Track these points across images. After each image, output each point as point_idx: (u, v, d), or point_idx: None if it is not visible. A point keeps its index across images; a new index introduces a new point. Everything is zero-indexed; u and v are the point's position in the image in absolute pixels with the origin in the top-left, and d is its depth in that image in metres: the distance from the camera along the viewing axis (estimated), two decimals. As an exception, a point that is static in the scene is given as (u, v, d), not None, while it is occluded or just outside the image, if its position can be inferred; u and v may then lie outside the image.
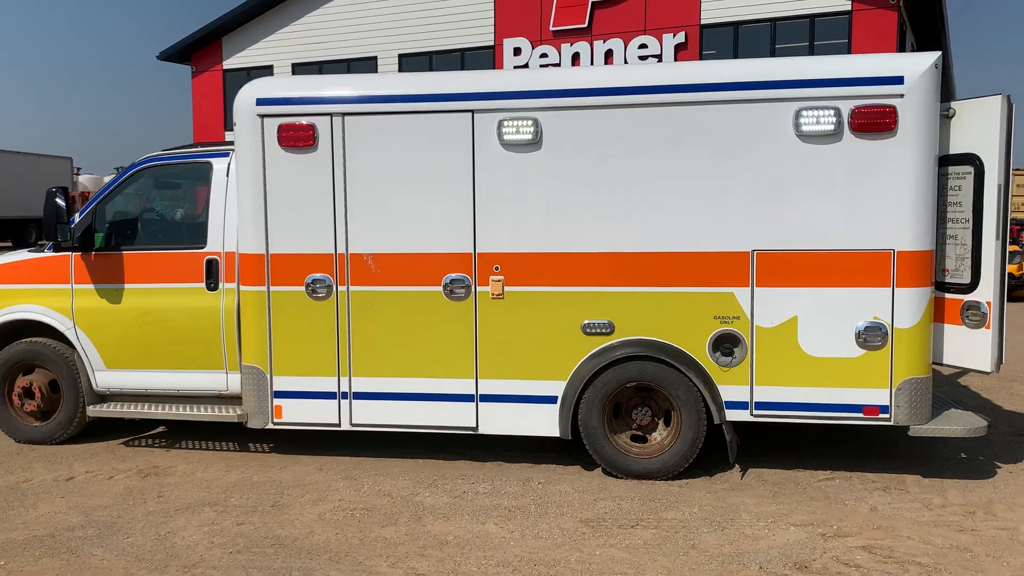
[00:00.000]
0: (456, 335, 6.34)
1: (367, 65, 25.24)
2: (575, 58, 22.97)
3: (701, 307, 6.07)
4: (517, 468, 6.47)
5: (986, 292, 5.95)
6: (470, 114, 6.20)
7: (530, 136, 6.12)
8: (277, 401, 6.61)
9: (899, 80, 5.77)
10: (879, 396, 5.94)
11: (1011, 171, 5.92)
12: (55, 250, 7.03)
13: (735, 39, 21.95)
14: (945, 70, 30.14)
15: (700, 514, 5.50)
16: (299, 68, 25.95)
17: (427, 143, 6.27)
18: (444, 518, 5.47)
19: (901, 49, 21.70)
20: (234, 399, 6.85)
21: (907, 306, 5.87)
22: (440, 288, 6.33)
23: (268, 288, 6.53)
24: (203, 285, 6.80)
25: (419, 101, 6.27)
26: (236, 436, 7.25)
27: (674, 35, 22.10)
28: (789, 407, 6.04)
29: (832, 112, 5.81)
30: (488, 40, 24.01)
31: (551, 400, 6.27)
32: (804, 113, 5.85)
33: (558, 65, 23.04)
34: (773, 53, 21.54)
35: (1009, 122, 5.84)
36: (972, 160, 5.96)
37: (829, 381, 5.98)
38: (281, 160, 6.44)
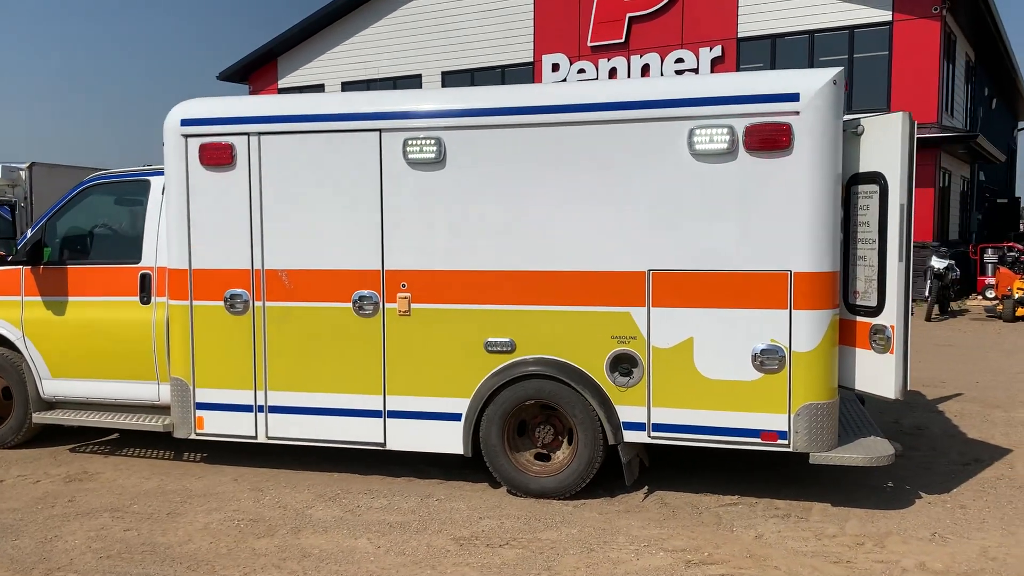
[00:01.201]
0: (365, 351, 6.43)
1: (412, 82, 25.70)
2: (612, 73, 22.93)
3: (599, 327, 6.02)
4: (424, 484, 6.51)
5: (890, 316, 5.75)
6: (378, 133, 6.31)
7: (433, 155, 6.19)
8: (199, 412, 6.81)
9: (794, 97, 5.64)
10: (777, 421, 5.78)
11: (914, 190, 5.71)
12: (1, 264, 7.41)
13: (772, 52, 21.58)
14: (1010, 82, 29.01)
15: (577, 535, 5.45)
16: (348, 86, 26.58)
17: (337, 162, 6.40)
18: (323, 531, 5.55)
19: (948, 60, 20.98)
20: (167, 409, 7.08)
21: (805, 329, 5.71)
22: (350, 304, 6.44)
23: (191, 302, 6.75)
24: (137, 299, 7.07)
25: (329, 120, 6.41)
26: (176, 445, 7.48)
27: (711, 49, 21.86)
28: (686, 429, 5.93)
29: (726, 130, 5.71)
30: (528, 57, 24.17)
31: (456, 417, 6.30)
32: (698, 132, 5.77)
33: (595, 80, 23.01)
34: (811, 65, 21.07)
35: (911, 140, 5.64)
36: (878, 179, 5.79)
37: (726, 404, 5.85)
38: (203, 178, 6.66)
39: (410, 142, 6.23)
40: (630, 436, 6.03)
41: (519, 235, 6.13)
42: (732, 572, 4.90)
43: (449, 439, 6.33)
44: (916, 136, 5.69)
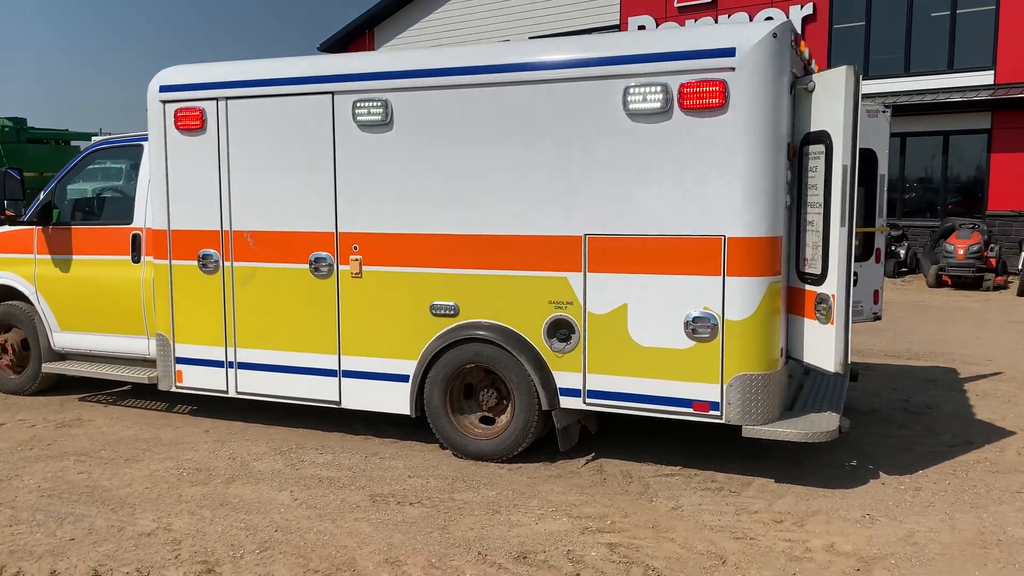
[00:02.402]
0: (321, 312, 6.58)
1: (500, 48, 25.66)
2: (699, 35, 22.15)
3: (537, 291, 5.95)
4: (377, 443, 6.64)
5: (831, 284, 5.43)
6: (331, 96, 6.39)
7: (380, 117, 6.22)
8: (179, 367, 7.15)
9: (730, 52, 5.36)
10: (709, 392, 5.58)
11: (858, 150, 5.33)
12: (10, 224, 7.96)
13: (868, 8, 20.37)
14: None
15: (493, 498, 5.45)
16: (441, 53, 26.78)
17: (295, 125, 6.53)
18: (254, 483, 5.77)
19: (1067, 13, 19.24)
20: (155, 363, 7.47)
21: (739, 297, 5.47)
22: (307, 266, 6.59)
23: (170, 262, 7.08)
24: (129, 258, 7.46)
25: (286, 84, 6.54)
26: (170, 398, 7.89)
27: (801, 6, 20.83)
28: (621, 397, 5.81)
29: (660, 88, 5.49)
30: (614, 19, 23.71)
31: (404, 379, 6.38)
32: (632, 90, 5.57)
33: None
34: (910, 21, 19.82)
35: (855, 97, 5.27)
36: (824, 139, 5.45)
37: (659, 372, 5.68)
38: (178, 142, 6.94)
39: (358, 104, 6.29)
40: (566, 402, 5.95)
41: (461, 198, 6.10)
42: (625, 541, 4.80)
43: (398, 400, 6.42)
44: (860, 92, 5.31)
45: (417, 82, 6.14)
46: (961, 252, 16.53)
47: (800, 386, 6.63)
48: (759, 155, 5.37)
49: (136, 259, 7.43)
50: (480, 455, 6.17)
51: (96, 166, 7.89)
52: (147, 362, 7.57)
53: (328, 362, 6.61)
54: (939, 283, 16.88)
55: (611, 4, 23.60)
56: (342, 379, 6.58)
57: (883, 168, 7.34)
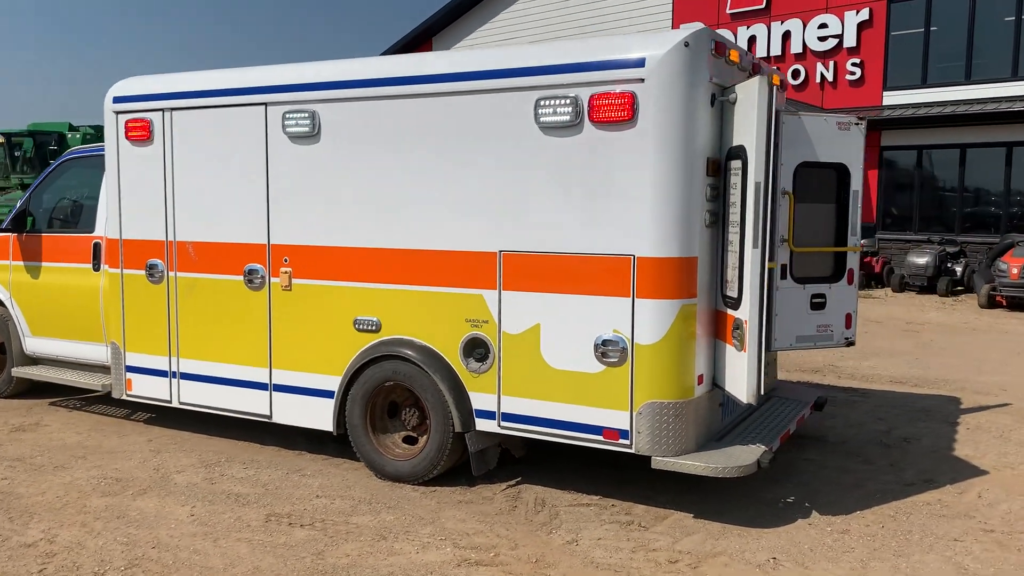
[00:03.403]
0: (255, 324, 6.53)
1: (552, 57, 25.48)
2: (751, 41, 21.63)
3: (455, 309, 5.76)
4: (309, 459, 6.54)
5: (745, 309, 5.08)
6: (264, 107, 6.35)
7: (307, 128, 6.14)
8: (129, 375, 7.21)
9: (639, 63, 5.08)
10: (619, 419, 5.29)
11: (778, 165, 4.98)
12: (-9, 232, 8.18)
13: (927, 13, 19.46)
14: None
15: (388, 523, 5.27)
16: (497, 62, 26.77)
17: (231, 136, 6.51)
18: (163, 496, 5.73)
19: None
20: (114, 370, 7.54)
21: (649, 320, 5.17)
22: (242, 277, 6.55)
23: (121, 271, 7.14)
24: (91, 266, 7.57)
25: (225, 95, 6.52)
26: (133, 405, 7.95)
27: (857, 12, 20.05)
28: (534, 421, 5.56)
29: (569, 101, 5.25)
30: (666, 26, 23.24)
31: (330, 395, 6.26)
32: (543, 103, 5.34)
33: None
34: (972, 27, 18.85)
35: (770, 107, 4.93)
36: (741, 154, 5.11)
37: (570, 397, 5.42)
38: (129, 153, 7.00)
39: (287, 115, 6.22)
40: (483, 424, 5.74)
41: (383, 212, 5.97)
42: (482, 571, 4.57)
43: (324, 416, 6.31)
44: (776, 103, 4.96)
45: (341, 93, 6.04)
46: (1016, 271, 15.55)
47: (749, 414, 6.27)
48: (670, 171, 5.07)
49: (96, 267, 7.54)
50: (396, 476, 6.00)
51: (71, 176, 8.04)
52: (106, 368, 7.65)
53: (260, 375, 6.55)
54: (992, 304, 15.92)
55: (663, 11, 23.18)
56: (273, 393, 6.51)
57: (856, 184, 6.89)
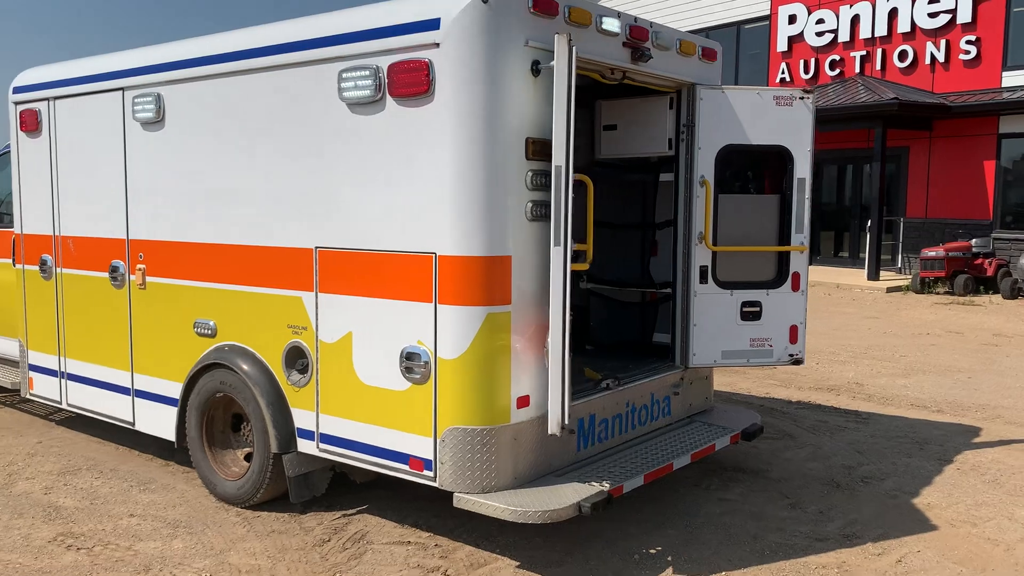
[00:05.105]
0: (119, 324, 6.13)
1: (648, 47, 24.32)
2: (855, 20, 19.74)
3: (278, 313, 5.13)
4: (169, 471, 6.07)
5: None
6: (121, 92, 5.93)
7: (152, 114, 5.67)
8: (31, 373, 6.99)
9: (434, 25, 4.27)
10: (423, 446, 4.50)
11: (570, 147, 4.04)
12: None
13: (1053, -18, 17.06)
14: None
15: (171, 553, 4.71)
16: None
17: (97, 124, 6.13)
18: (19, 516, 5.30)
19: None
20: (32, 368, 7.36)
21: (450, 330, 4.35)
22: (107, 275, 6.17)
23: (23, 266, 6.93)
24: (11, 261, 7.42)
25: (93, 81, 6.14)
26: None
27: (975, -16, 17.84)
28: (348, 445, 4.85)
29: (369, 72, 4.50)
30: (764, 10, 21.67)
31: (176, 403, 5.76)
32: (344, 75, 4.62)
33: (834, 32, 20.07)
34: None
35: (569, 73, 4.00)
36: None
37: (380, 418, 4.68)
38: (25, 144, 6.77)
39: (136, 100, 5.78)
40: (305, 446, 5.07)
41: (215, 204, 5.41)
42: (221, 629, 3.90)
43: (171, 426, 5.81)
44: (576, 73, 4.03)
45: (178, 74, 5.53)
46: None
47: (654, 437, 5.38)
48: (472, 153, 4.23)
49: (15, 262, 7.38)
50: (224, 498, 5.42)
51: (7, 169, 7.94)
52: (28, 367, 7.48)
53: (124, 379, 6.14)
54: (1114, 314, 13.69)
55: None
56: (135, 399, 6.08)
57: (802, 171, 5.77)
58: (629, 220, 6.34)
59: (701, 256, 5.67)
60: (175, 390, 5.72)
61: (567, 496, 4.35)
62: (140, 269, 5.91)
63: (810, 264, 21.00)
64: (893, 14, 19.07)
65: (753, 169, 6.28)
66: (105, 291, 6.18)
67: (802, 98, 5.74)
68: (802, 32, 20.73)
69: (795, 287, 5.85)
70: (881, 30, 19.29)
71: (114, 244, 6.09)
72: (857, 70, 19.76)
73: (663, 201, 6.11)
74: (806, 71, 20.75)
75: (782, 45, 21.21)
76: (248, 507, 5.31)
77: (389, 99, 4.45)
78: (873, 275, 17.73)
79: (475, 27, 4.17)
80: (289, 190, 4.98)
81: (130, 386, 6.09)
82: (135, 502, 5.46)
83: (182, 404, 5.63)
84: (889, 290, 16.77)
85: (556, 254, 4.09)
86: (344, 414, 4.83)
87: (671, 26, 4.64)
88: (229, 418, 5.62)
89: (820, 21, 20.35)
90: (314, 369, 4.94)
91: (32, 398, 6.99)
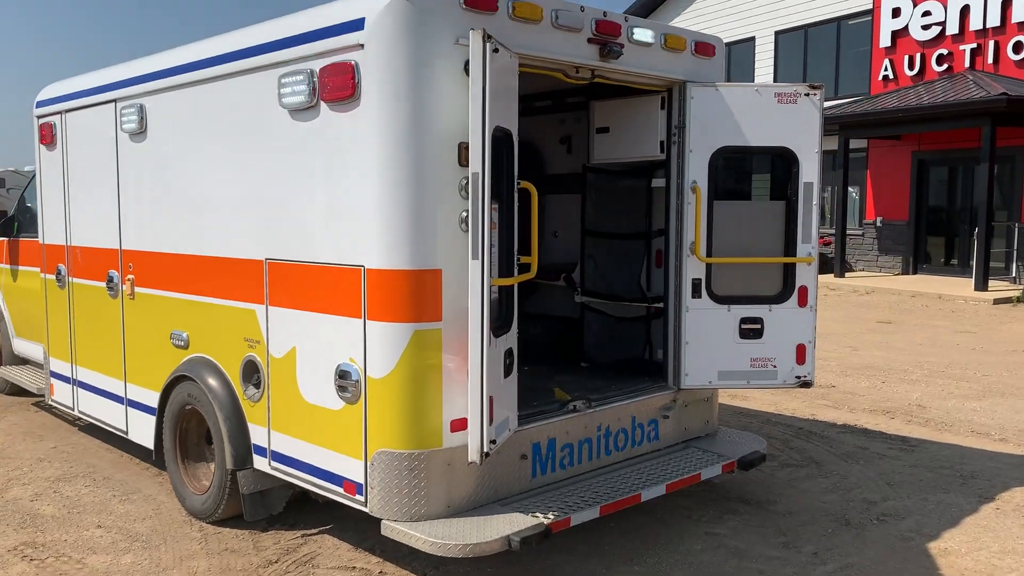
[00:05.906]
0: (115, 333, 6.18)
1: (745, 47, 23.47)
2: (964, 11, 18.41)
3: (237, 325, 5.01)
4: (159, 481, 6.05)
5: (475, 334, 3.86)
6: (113, 104, 5.98)
7: (136, 124, 5.68)
8: (51, 380, 7.16)
9: (358, 25, 4.05)
10: (355, 469, 4.27)
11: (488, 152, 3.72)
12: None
13: None
14: None
15: (116, 567, 4.64)
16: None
17: (97, 136, 6.20)
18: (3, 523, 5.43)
19: None
20: (60, 374, 7.55)
21: (379, 348, 4.11)
22: (105, 284, 6.23)
23: (44, 275, 7.12)
24: (38, 269, 7.64)
25: (94, 94, 6.22)
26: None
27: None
28: (294, 464, 4.68)
29: (303, 76, 4.33)
30: (867, 3, 20.50)
31: (154, 412, 5.74)
32: (283, 80, 4.46)
33: (941, 24, 18.79)
34: None
35: (483, 71, 3.69)
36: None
37: (320, 438, 4.48)
38: (44, 157, 6.96)
39: (123, 111, 5.81)
40: (259, 463, 4.93)
41: (184, 214, 5.37)
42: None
43: (150, 436, 5.79)
44: (496, 68, 3.71)
45: (156, 84, 5.51)
46: None
47: (644, 462, 5.03)
48: (397, 160, 3.99)
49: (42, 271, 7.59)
50: (191, 512, 5.35)
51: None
52: (57, 373, 7.69)
53: (119, 388, 6.18)
54: None
55: (867, -13, 20.44)
56: (128, 407, 6.11)
57: (809, 175, 5.27)
58: (625, 229, 5.95)
59: (693, 268, 5.24)
60: (155, 400, 5.70)
61: (498, 528, 4.03)
62: (129, 279, 5.94)
63: (916, 273, 19.73)
64: (1007, 3, 17.66)
65: (754, 173, 5.78)
66: (104, 301, 6.25)
67: (808, 95, 5.23)
68: (907, 26, 19.49)
69: (802, 302, 5.33)
70: (994, 20, 17.89)
71: (110, 254, 6.15)
72: (967, 64, 18.41)
73: (661, 209, 5.69)
74: (911, 67, 19.49)
75: (885, 40, 20.01)
76: (211, 522, 5.21)
77: (322, 104, 4.26)
78: (980, 285, 16.41)
79: (399, 26, 3.92)
80: (242, 200, 4.86)
81: (123, 395, 6.12)
82: (109, 512, 5.46)
83: (159, 415, 5.60)
84: (996, 301, 15.46)
85: (474, 268, 3.79)
86: (290, 431, 4.66)
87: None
88: (204, 431, 5.54)
89: (927, 13, 19.07)
90: (266, 384, 4.80)
91: (53, 404, 7.16)
